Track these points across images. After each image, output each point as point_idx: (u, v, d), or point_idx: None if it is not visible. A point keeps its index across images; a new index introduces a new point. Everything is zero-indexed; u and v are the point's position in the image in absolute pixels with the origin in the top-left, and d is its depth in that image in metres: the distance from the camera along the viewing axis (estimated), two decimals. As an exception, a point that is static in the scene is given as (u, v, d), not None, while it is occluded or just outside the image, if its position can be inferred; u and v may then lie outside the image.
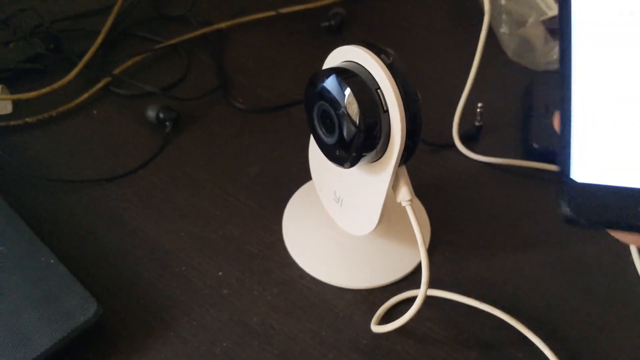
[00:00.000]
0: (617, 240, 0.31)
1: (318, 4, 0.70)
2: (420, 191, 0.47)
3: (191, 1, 0.70)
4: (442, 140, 0.57)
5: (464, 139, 0.57)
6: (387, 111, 0.37)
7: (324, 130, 0.41)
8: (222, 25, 0.67)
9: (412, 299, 0.46)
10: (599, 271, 0.48)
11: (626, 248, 0.49)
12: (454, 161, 0.57)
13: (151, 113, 0.58)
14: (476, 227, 0.51)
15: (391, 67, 0.37)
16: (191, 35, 0.67)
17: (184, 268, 0.48)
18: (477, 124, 0.57)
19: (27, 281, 0.43)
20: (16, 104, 0.60)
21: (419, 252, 0.49)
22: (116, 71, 0.63)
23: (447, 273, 0.48)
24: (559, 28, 0.30)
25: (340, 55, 0.40)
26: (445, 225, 0.51)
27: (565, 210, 0.29)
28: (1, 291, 0.42)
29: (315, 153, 0.47)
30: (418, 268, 0.48)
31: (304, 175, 0.53)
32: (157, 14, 0.71)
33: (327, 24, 0.67)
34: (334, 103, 0.38)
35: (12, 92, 0.60)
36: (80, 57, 0.62)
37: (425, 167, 0.56)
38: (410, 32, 0.70)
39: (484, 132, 0.58)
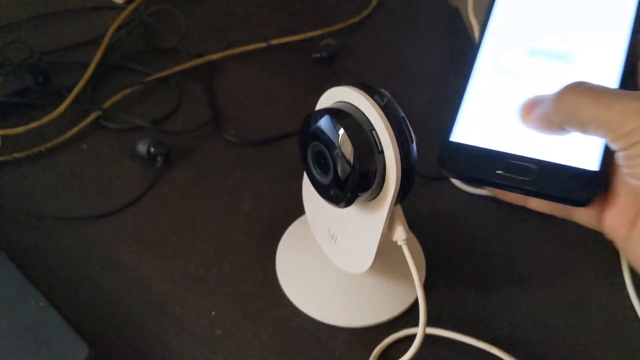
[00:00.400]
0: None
1: (309, 34, 0.69)
2: (414, 225, 0.47)
3: (182, 33, 0.70)
4: (435, 172, 0.57)
5: (457, 171, 0.57)
6: (382, 152, 0.37)
7: (318, 170, 0.40)
8: (214, 57, 0.67)
9: (409, 337, 0.45)
10: (597, 307, 0.48)
11: (622, 282, 0.49)
12: (448, 194, 0.56)
13: (142, 148, 0.57)
14: (472, 262, 0.51)
15: (385, 109, 0.37)
16: (182, 67, 0.66)
17: (176, 308, 0.47)
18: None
19: (16, 327, 0.42)
20: (4, 139, 0.59)
21: (414, 288, 0.49)
22: (106, 104, 0.63)
23: (444, 310, 0.48)
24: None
25: (334, 96, 0.40)
26: (440, 261, 0.51)
27: (442, 168, 0.38)
28: (-11, 338, 0.41)
29: (308, 190, 0.47)
30: (414, 305, 0.48)
31: (297, 210, 0.52)
32: (147, 45, 0.71)
33: (318, 55, 0.67)
34: (328, 143, 0.38)
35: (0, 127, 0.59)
36: (70, 90, 0.62)
37: (418, 199, 0.55)
38: (402, 61, 0.70)
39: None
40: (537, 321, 0.47)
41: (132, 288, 0.48)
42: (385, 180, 0.38)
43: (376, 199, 0.40)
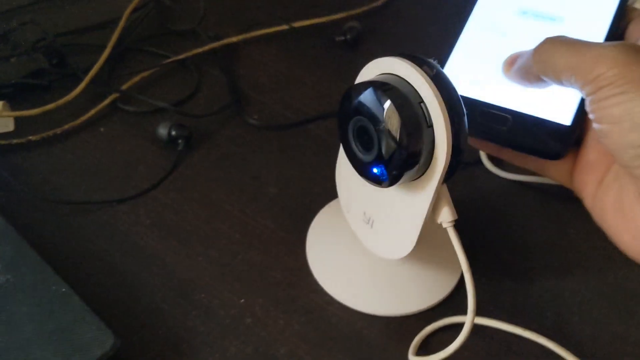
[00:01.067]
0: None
1: (332, 17, 0.67)
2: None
3: (200, 15, 0.67)
4: (468, 156, 0.55)
5: (491, 156, 0.55)
6: (431, 126, 0.35)
7: (360, 147, 0.38)
8: (233, 39, 0.65)
9: (449, 327, 0.43)
10: (644, 294, 0.46)
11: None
12: (482, 179, 0.54)
13: (163, 130, 0.55)
14: (510, 250, 0.49)
15: (435, 80, 0.35)
16: (200, 50, 0.64)
17: (203, 295, 0.45)
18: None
19: (38, 313, 0.39)
20: (18, 121, 0.56)
21: (452, 275, 0.46)
22: (124, 87, 0.60)
23: (483, 299, 0.45)
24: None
25: (377, 68, 0.38)
26: (477, 249, 0.49)
27: None
28: (10, 325, 0.39)
29: (343, 171, 0.44)
30: (453, 293, 0.45)
31: (327, 195, 0.50)
32: (164, 28, 0.68)
33: (342, 38, 0.65)
34: (373, 118, 0.35)
35: (13, 109, 0.57)
36: (86, 72, 0.60)
37: (451, 184, 0.53)
38: (428, 44, 0.67)
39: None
40: (583, 311, 0.45)
41: (155, 275, 0.46)
42: (434, 157, 0.36)
43: (421, 177, 0.37)
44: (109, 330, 0.39)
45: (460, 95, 0.38)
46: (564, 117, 0.37)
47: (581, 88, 0.33)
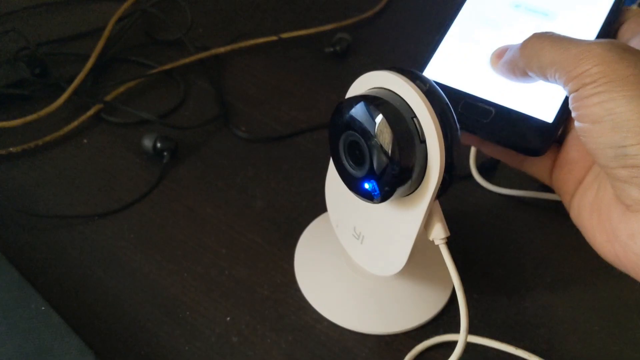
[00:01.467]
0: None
1: (321, 29, 0.66)
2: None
3: (187, 25, 0.66)
4: (460, 171, 0.54)
5: (481, 170, 0.54)
6: (424, 141, 0.34)
7: (351, 162, 0.37)
8: (221, 50, 0.64)
9: (440, 345, 0.42)
10: (638, 312, 0.45)
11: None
12: (473, 194, 0.53)
13: (147, 142, 0.54)
14: (502, 265, 0.48)
15: (429, 94, 0.34)
16: (187, 60, 0.63)
17: (188, 313, 0.44)
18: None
19: (16, 332, 0.38)
20: (-1, 132, 0.55)
21: (444, 292, 0.46)
22: (108, 98, 0.59)
23: (476, 316, 0.44)
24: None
25: (368, 82, 0.37)
26: (469, 264, 0.48)
27: None
28: (-14, 345, 0.37)
29: (332, 186, 0.43)
30: (444, 310, 0.45)
31: (315, 209, 0.49)
32: (150, 38, 0.67)
33: (331, 49, 0.64)
34: (364, 132, 0.35)
35: (-6, 120, 0.55)
36: (69, 82, 0.58)
37: (443, 199, 0.52)
38: (419, 56, 0.67)
39: (502, 162, 0.55)
40: (576, 327, 0.44)
41: (138, 292, 0.45)
42: (427, 173, 0.35)
43: (413, 193, 0.36)
44: (90, 350, 0.38)
45: (445, 85, 0.39)
46: (547, 114, 0.37)
47: (565, 84, 0.32)
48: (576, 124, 0.32)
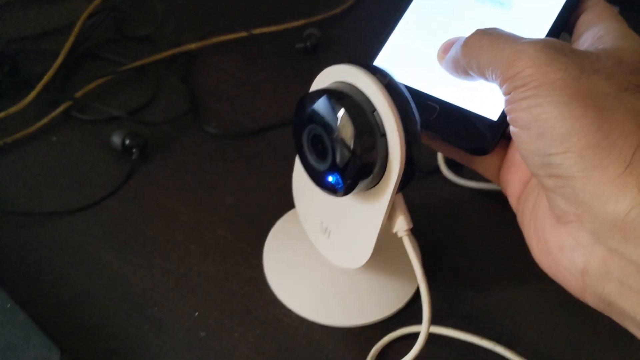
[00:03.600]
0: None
1: (291, 24, 0.67)
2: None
3: (158, 21, 0.66)
4: (426, 165, 0.55)
5: (449, 164, 0.55)
6: (384, 135, 0.34)
7: (314, 156, 0.37)
8: (192, 46, 0.64)
9: (407, 337, 0.43)
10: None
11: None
12: (440, 188, 0.54)
13: (117, 139, 0.54)
14: (468, 258, 0.49)
15: (389, 88, 0.34)
16: (158, 56, 0.63)
17: (156, 309, 0.44)
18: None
19: (-20, 330, 0.38)
20: (-33, 130, 0.55)
21: (410, 284, 0.46)
22: (78, 94, 0.59)
23: (441, 308, 0.45)
24: None
25: (331, 76, 0.37)
26: (435, 256, 0.48)
27: None
28: (-50, 342, 0.37)
29: (299, 181, 0.44)
30: (410, 302, 0.45)
31: (285, 204, 0.49)
32: (121, 34, 0.67)
33: (301, 45, 0.65)
34: (326, 126, 0.35)
35: (-38, 118, 0.55)
36: (38, 79, 0.58)
37: (410, 192, 0.53)
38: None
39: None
40: (540, 318, 0.45)
41: (107, 288, 0.45)
42: (388, 166, 0.35)
43: (376, 187, 0.37)
44: (56, 347, 0.38)
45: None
46: (492, 111, 0.36)
47: (500, 86, 0.31)
48: (510, 127, 0.31)
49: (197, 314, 0.44)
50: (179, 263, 0.47)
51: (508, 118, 0.31)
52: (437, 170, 0.54)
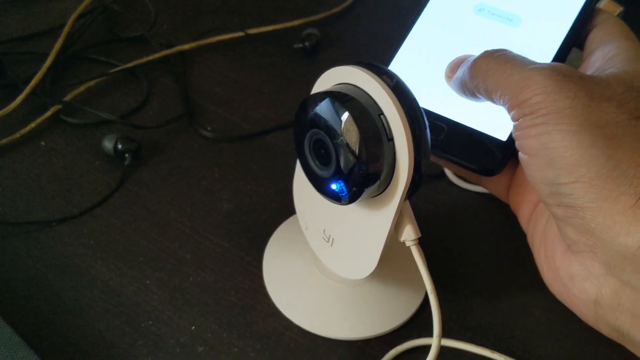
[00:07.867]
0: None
1: (289, 24, 0.65)
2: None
3: (150, 21, 0.64)
4: (431, 169, 0.53)
5: (454, 167, 0.53)
6: (391, 139, 0.32)
7: (317, 162, 0.35)
8: (186, 47, 0.62)
9: (414, 350, 0.41)
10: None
11: None
12: (446, 192, 0.52)
13: (108, 144, 0.51)
14: (477, 267, 0.47)
15: (396, 90, 0.32)
16: (151, 57, 0.61)
17: (150, 322, 0.42)
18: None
19: (-38, 349, 0.36)
20: (-49, 135, 0.52)
21: (416, 295, 0.44)
22: (67, 98, 0.57)
23: (451, 319, 0.43)
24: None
25: (333, 77, 0.35)
26: (443, 266, 0.46)
27: None
28: None
29: (300, 187, 0.42)
30: (417, 313, 0.43)
31: (285, 210, 0.47)
32: (112, 35, 0.65)
33: (300, 45, 0.63)
34: (330, 130, 0.33)
35: (-54, 123, 0.53)
36: (26, 82, 0.56)
37: (414, 199, 0.51)
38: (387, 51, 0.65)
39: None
40: (552, 328, 0.43)
41: (98, 301, 0.43)
42: (395, 172, 0.33)
43: (382, 194, 0.35)
44: (44, 365, 0.36)
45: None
46: (501, 131, 0.35)
47: (509, 111, 0.30)
48: (519, 153, 0.31)
49: (193, 327, 0.42)
50: (174, 274, 0.45)
51: (516, 144, 0.30)
52: (443, 174, 0.53)
